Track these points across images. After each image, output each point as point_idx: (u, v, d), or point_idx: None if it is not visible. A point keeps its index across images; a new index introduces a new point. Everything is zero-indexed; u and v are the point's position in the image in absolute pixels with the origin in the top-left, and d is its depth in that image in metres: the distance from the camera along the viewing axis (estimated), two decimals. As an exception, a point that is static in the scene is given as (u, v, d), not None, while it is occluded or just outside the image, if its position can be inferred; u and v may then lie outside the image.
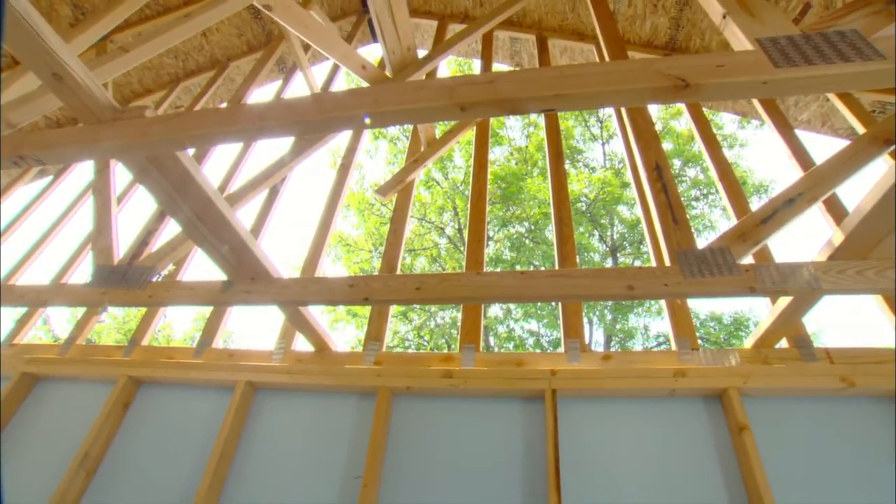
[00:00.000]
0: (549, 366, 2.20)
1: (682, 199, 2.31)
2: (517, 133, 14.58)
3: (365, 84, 3.13)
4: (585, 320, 11.63)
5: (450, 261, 12.81)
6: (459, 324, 2.54)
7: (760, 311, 11.15)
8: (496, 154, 14.14)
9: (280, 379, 2.41)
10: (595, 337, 11.82)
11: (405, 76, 2.87)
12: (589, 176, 13.44)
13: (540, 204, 12.35)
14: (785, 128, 3.07)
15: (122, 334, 13.99)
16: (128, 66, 2.53)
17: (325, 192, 3.48)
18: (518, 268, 12.14)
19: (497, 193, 12.61)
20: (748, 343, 2.21)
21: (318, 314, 2.66)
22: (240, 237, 1.92)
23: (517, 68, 5.28)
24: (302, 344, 2.71)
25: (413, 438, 2.16)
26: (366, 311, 11.49)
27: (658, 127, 13.43)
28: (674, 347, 2.28)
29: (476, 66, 5.77)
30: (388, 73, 3.00)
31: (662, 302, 2.48)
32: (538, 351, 11.40)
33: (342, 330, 12.27)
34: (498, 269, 11.78)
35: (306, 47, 4.96)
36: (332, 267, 13.38)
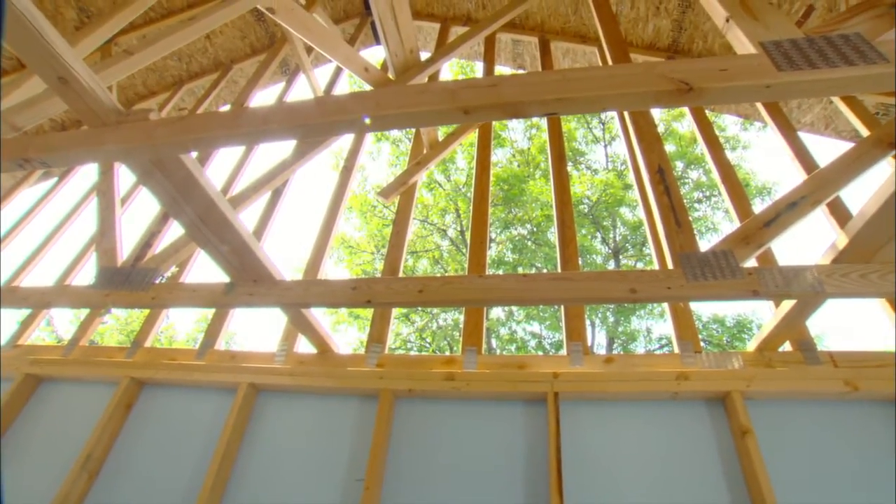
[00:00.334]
0: (552, 368, 2.20)
1: (685, 201, 2.30)
2: (519, 135, 14.60)
3: (368, 86, 3.14)
4: (588, 322, 11.62)
5: (452, 263, 12.81)
6: (461, 326, 2.54)
7: (763, 314, 11.12)
8: (498, 156, 14.16)
9: (282, 381, 2.42)
10: (597, 339, 11.80)
11: (408, 78, 2.88)
12: (591, 178, 13.44)
13: (542, 206, 12.35)
14: (788, 130, 3.07)
15: (124, 335, 14.02)
16: (132, 69, 2.54)
17: (327, 194, 3.49)
18: (520, 270, 12.14)
19: (499, 195, 12.61)
20: (751, 346, 2.21)
21: (320, 316, 2.66)
22: (242, 239, 1.92)
23: (520, 71, 5.30)
24: (304, 346, 2.72)
25: (415, 441, 2.16)
26: (368, 313, 11.50)
27: (660, 129, 13.41)
28: (676, 350, 2.27)
29: (478, 69, 5.78)
30: (390, 75, 3.00)
31: (665, 304, 2.48)
32: (540, 353, 11.39)
33: (344, 332, 12.29)
34: (500, 272, 11.78)
35: (309, 49, 4.97)
36: (335, 269, 13.41)
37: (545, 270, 11.79)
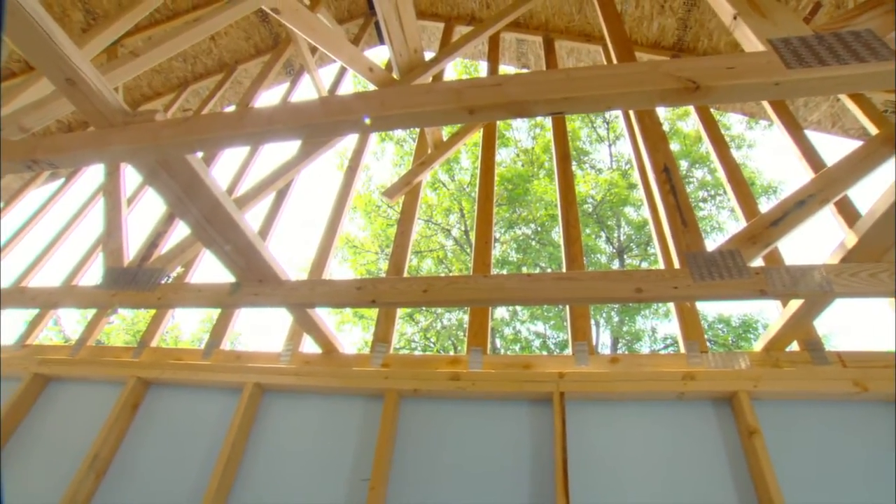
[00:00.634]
0: (557, 368, 2.19)
1: (690, 200, 2.29)
2: (523, 134, 14.58)
3: (372, 86, 3.14)
4: (592, 322, 11.57)
5: (456, 262, 12.81)
6: (466, 326, 2.54)
7: (770, 314, 11.05)
8: (502, 156, 14.14)
9: (288, 381, 2.42)
10: (602, 339, 11.76)
11: (412, 78, 2.88)
12: (596, 177, 13.40)
13: (546, 205, 12.32)
14: (795, 129, 3.04)
15: (131, 335, 14.11)
16: (138, 70, 2.55)
17: (332, 194, 3.49)
18: (524, 269, 12.12)
19: (503, 195, 12.60)
20: (758, 346, 2.19)
21: (325, 316, 2.68)
22: (248, 239, 1.93)
23: (524, 70, 5.29)
24: (309, 346, 2.72)
25: (420, 441, 2.16)
26: (373, 313, 11.52)
27: (665, 128, 13.35)
28: (682, 350, 2.26)
29: (482, 69, 5.77)
30: (395, 75, 3.01)
31: (671, 304, 2.46)
32: (544, 353, 11.36)
33: (349, 332, 12.31)
34: (504, 271, 11.76)
35: (313, 50, 4.98)
36: (339, 269, 13.43)
37: (549, 270, 11.76)
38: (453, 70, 13.20)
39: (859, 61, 0.99)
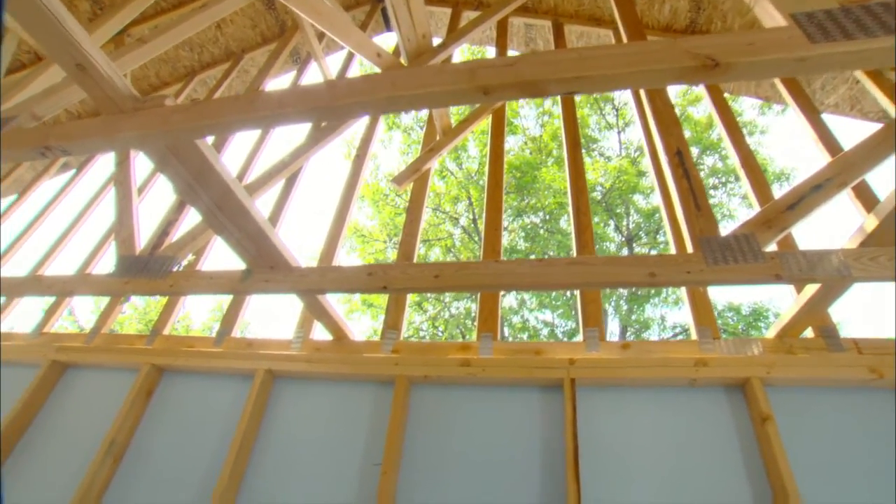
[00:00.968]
0: (568, 355, 2.19)
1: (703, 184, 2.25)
2: (531, 122, 14.44)
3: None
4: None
5: (464, 251, 12.79)
6: (474, 314, 2.53)
7: (781, 302, 10.95)
8: (510, 143, 14.05)
9: (299, 367, 2.44)
10: (610, 328, 11.73)
11: (420, 64, 2.84)
12: (605, 165, 13.26)
13: (555, 193, 12.24)
14: (811, 112, 2.98)
15: (143, 325, 14.32)
16: (146, 57, 2.55)
17: (340, 183, 3.49)
18: (533, 258, 12.07)
19: (511, 183, 12.53)
20: (771, 333, 2.17)
21: (334, 304, 2.68)
22: (258, 226, 1.93)
23: (532, 55, 5.20)
24: (319, 333, 2.74)
25: (431, 426, 2.17)
26: (381, 301, 11.57)
27: (676, 114, 13.12)
28: (694, 337, 2.24)
29: (490, 55, 5.69)
30: (402, 60, 2.97)
31: (680, 292, 2.44)
32: (553, 341, 11.36)
33: (357, 320, 12.39)
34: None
35: (320, 37, 4.95)
36: (347, 258, 13.48)
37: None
38: (461, 56, 13.06)
39: (888, 33, 0.95)
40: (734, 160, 2.92)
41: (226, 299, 3.16)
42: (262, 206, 2.37)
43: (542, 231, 12.46)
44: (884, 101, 2.82)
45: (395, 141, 14.63)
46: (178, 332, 13.87)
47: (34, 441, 2.61)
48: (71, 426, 2.62)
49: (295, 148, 3.22)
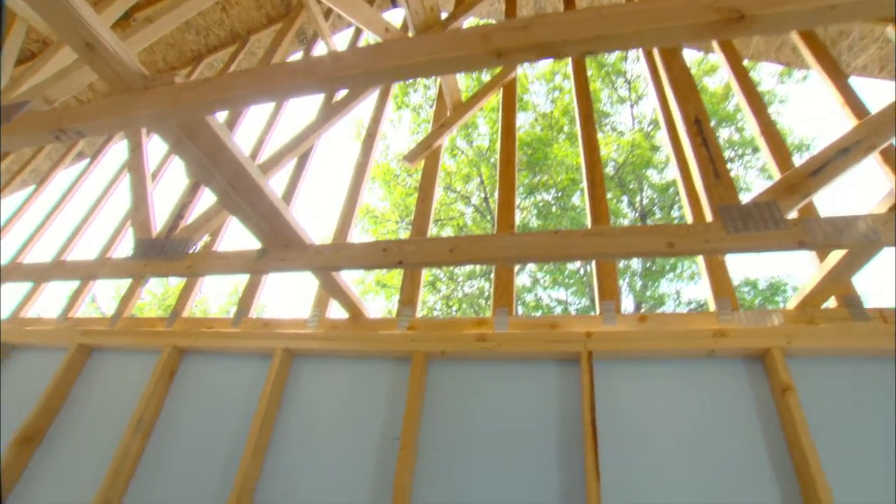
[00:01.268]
0: (584, 328, 2.17)
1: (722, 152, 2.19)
2: (541, 98, 14.17)
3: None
4: (615, 288, 11.45)
5: (476, 230, 12.75)
6: (489, 293, 2.53)
7: (799, 276, 10.77)
8: (521, 120, 13.82)
9: (316, 345, 2.47)
10: (625, 304, 11.67)
11: (429, 37, 2.79)
12: (617, 139, 13.01)
13: (567, 169, 12.07)
14: (837, 76, 2.86)
15: (162, 310, 14.65)
16: (153, 38, 2.53)
17: (351, 163, 3.47)
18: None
19: (523, 160, 12.37)
20: (792, 303, 2.13)
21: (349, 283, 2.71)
22: (272, 204, 1.93)
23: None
24: (335, 312, 2.76)
25: (448, 402, 2.19)
26: (395, 281, 11.64)
27: (691, 85, 12.75)
28: (712, 308, 2.21)
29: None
30: (410, 34, 2.92)
31: (697, 266, 2.40)
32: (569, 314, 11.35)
33: (371, 301, 12.50)
34: (525, 239, 11.64)
35: (326, 14, 4.87)
36: (360, 239, 13.53)
37: (571, 236, 11.60)
38: (468, 33, 12.78)
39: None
40: (753, 128, 2.83)
41: (241, 283, 3.20)
42: (275, 185, 2.37)
43: (554, 208, 12.34)
44: (915, 60, 2.69)
45: (405, 121, 14.52)
46: (197, 315, 14.17)
47: (67, 419, 2.70)
48: (99, 406, 2.71)
49: (306, 126, 3.20)
